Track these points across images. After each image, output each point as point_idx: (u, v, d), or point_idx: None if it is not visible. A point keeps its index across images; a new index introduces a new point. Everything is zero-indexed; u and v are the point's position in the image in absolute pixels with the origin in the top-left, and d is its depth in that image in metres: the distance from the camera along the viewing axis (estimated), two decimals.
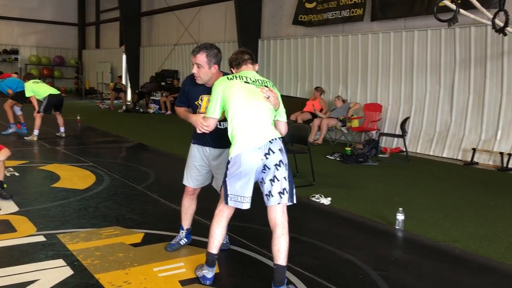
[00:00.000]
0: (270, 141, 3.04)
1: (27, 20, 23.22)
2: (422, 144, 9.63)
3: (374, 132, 10.12)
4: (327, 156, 8.67)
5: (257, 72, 3.37)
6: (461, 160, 8.84)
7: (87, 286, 3.06)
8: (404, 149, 9.08)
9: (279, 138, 3.11)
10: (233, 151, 3.05)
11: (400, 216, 4.59)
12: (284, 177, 3.05)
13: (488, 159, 8.55)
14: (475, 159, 8.57)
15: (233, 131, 3.08)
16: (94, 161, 7.25)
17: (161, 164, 7.86)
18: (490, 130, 8.68)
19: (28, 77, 9.88)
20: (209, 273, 3.17)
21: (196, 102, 3.47)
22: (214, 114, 3.18)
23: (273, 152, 3.02)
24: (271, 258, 3.19)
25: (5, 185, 5.00)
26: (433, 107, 9.58)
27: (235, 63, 3.35)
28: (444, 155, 9.18)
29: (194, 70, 3.38)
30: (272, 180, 3.03)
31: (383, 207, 5.41)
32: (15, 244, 3.74)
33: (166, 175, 6.77)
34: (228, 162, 3.09)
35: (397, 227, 4.59)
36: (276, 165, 3.02)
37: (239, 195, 3.05)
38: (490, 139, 8.63)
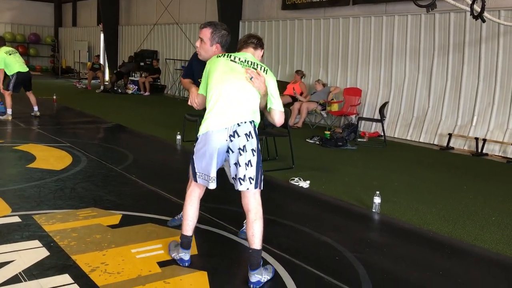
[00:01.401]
0: (238, 124, 2.94)
1: None
2: (400, 129, 9.74)
3: (353, 116, 10.19)
4: (307, 140, 8.71)
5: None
6: (437, 145, 8.99)
7: (64, 267, 3.03)
8: (382, 134, 9.18)
9: (250, 122, 2.99)
10: (201, 128, 3.01)
11: (377, 200, 4.65)
12: (247, 163, 2.93)
13: (463, 144, 8.71)
14: (451, 144, 8.71)
15: (207, 106, 3.05)
16: (70, 142, 7.13)
17: (140, 145, 7.77)
18: (466, 116, 8.83)
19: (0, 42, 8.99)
20: (186, 255, 3.15)
21: (199, 80, 3.42)
22: (203, 91, 3.20)
23: (238, 136, 2.93)
24: None
25: None
26: (411, 92, 9.68)
27: (239, 46, 3.31)
28: (421, 140, 9.31)
29: (197, 43, 3.41)
30: (235, 164, 2.96)
31: (360, 190, 5.48)
32: None
33: (144, 157, 6.72)
34: (197, 139, 3.07)
35: (373, 210, 4.66)
36: (239, 149, 2.93)
37: (205, 173, 3.02)
38: (466, 125, 8.78)
